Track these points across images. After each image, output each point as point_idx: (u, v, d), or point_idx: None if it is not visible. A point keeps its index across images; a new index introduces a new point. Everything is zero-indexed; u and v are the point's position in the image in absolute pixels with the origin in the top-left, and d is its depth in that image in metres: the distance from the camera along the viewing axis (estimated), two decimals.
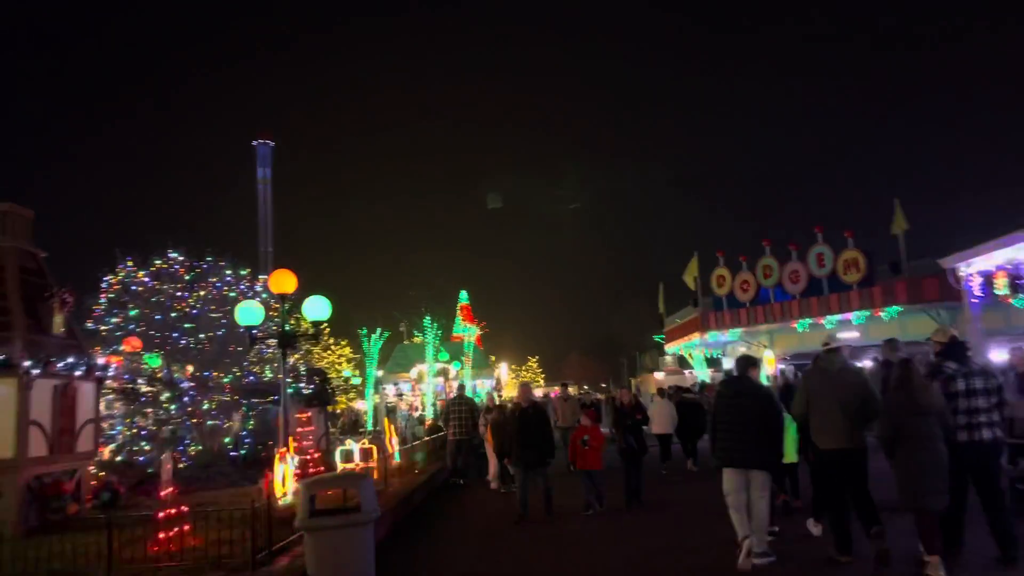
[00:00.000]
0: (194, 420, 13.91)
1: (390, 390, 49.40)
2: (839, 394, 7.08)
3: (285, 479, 10.77)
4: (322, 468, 12.54)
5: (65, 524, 9.06)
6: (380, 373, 50.70)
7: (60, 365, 9.62)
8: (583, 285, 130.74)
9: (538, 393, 46.03)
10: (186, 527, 7.78)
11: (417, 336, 41.12)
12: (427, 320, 32.22)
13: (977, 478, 6.80)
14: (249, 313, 11.52)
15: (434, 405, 28.61)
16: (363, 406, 41.80)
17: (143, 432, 13.77)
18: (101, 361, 10.93)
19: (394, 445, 15.83)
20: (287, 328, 11.61)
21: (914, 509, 6.46)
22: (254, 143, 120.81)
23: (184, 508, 8.02)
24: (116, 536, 6.95)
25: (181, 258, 16.43)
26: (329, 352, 60.52)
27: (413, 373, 41.46)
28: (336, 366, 57.47)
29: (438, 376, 34.90)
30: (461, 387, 17.17)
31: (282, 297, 11.55)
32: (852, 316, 24.30)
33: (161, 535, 7.60)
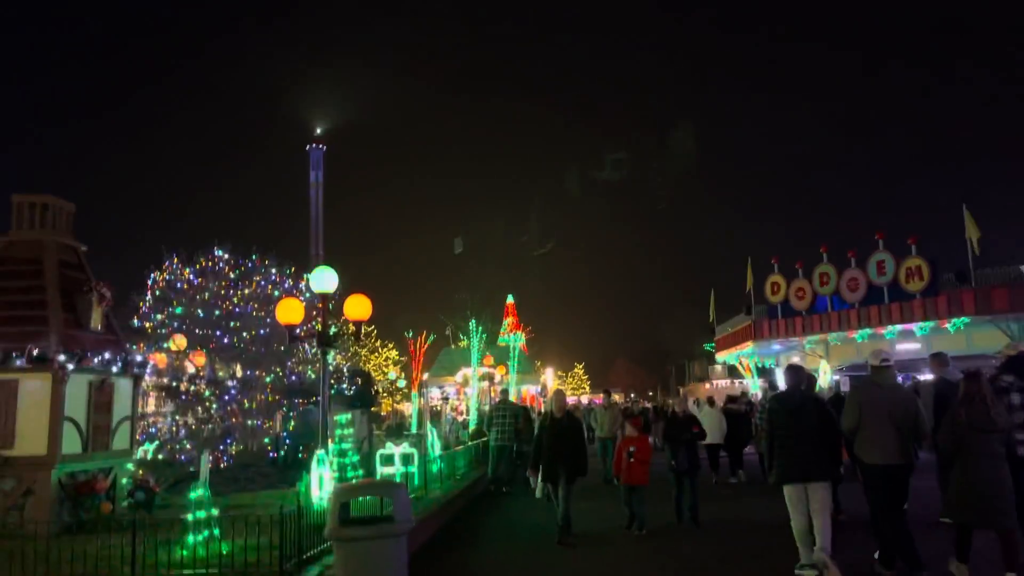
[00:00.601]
0: (234, 419, 13.74)
1: (435, 393, 49.36)
2: (893, 410, 6.89)
3: (323, 482, 10.49)
4: (360, 472, 12.24)
5: (97, 523, 8.87)
6: (426, 376, 50.83)
7: (96, 360, 9.45)
8: (632, 292, 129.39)
9: (572, 400, 45.42)
10: (215, 531, 7.49)
11: (463, 340, 40.85)
12: (472, 323, 31.86)
13: None
14: (289, 311, 11.26)
15: (477, 409, 28.30)
16: (409, 409, 41.78)
17: (182, 431, 13.64)
18: (139, 358, 10.76)
19: (436, 449, 15.49)
20: (330, 327, 11.35)
21: (986, 526, 6.39)
22: (308, 147, 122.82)
23: (215, 511, 7.70)
24: (143, 539, 6.69)
25: (226, 256, 16.33)
26: (375, 354, 60.83)
27: (458, 377, 41.25)
28: (383, 368, 57.66)
29: (483, 380, 34.62)
30: (504, 392, 16.70)
31: (323, 296, 11.28)
32: (915, 327, 23.26)
33: (190, 539, 7.32)
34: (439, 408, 41.87)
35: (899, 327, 23.57)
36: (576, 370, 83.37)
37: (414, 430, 34.76)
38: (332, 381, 16.75)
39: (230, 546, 7.18)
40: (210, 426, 13.74)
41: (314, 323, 12.51)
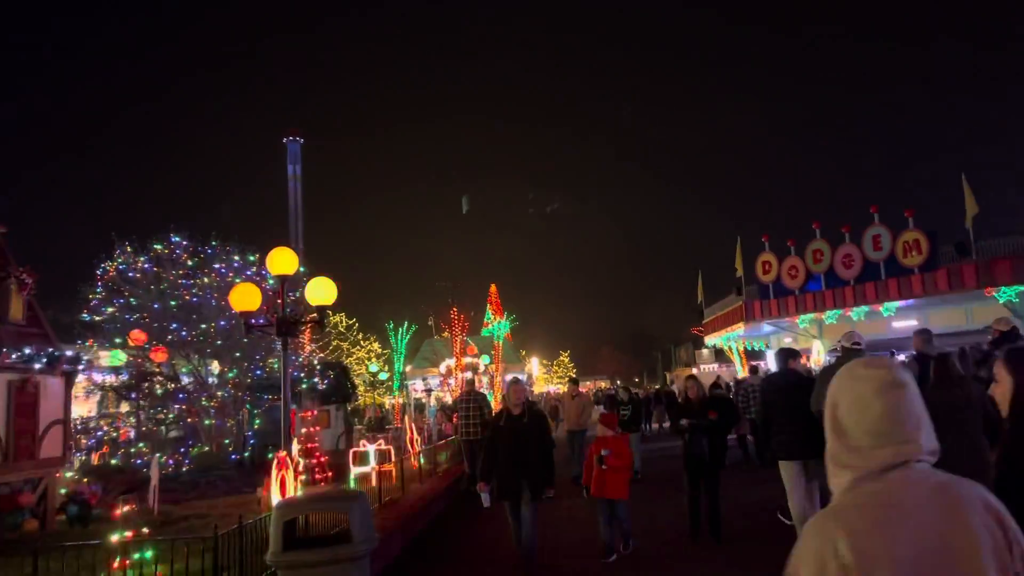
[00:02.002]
0: (190, 419, 12.56)
1: (418, 385, 48.19)
2: None
3: (285, 488, 9.37)
4: (330, 473, 11.13)
5: (21, 544, 7.70)
6: (408, 368, 49.67)
7: (14, 356, 8.25)
8: (618, 278, 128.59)
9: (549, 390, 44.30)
10: (145, 554, 6.34)
11: (446, 331, 39.74)
12: (454, 312, 30.69)
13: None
14: (245, 297, 10.10)
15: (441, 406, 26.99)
16: (393, 402, 40.62)
17: (132, 433, 12.45)
18: (70, 353, 9.53)
19: (416, 445, 14.40)
20: (292, 315, 10.19)
21: None
22: (284, 140, 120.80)
23: (147, 531, 6.55)
24: (66, 563, 5.55)
25: (184, 243, 15.11)
26: (357, 347, 59.65)
27: (442, 368, 40.13)
28: (365, 361, 56.51)
29: (466, 371, 33.57)
30: (469, 382, 15.41)
31: (282, 279, 10.12)
32: (914, 303, 22.35)
33: (116, 564, 6.17)
34: (423, 401, 40.79)
35: (897, 303, 22.64)
36: (562, 358, 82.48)
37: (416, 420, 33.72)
38: (303, 375, 15.61)
39: (167, 570, 6.07)
40: (163, 428, 12.55)
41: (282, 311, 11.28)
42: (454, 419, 17.20)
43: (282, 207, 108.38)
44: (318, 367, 16.19)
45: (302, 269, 13.64)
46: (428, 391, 40.68)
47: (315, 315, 11.25)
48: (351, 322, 60.90)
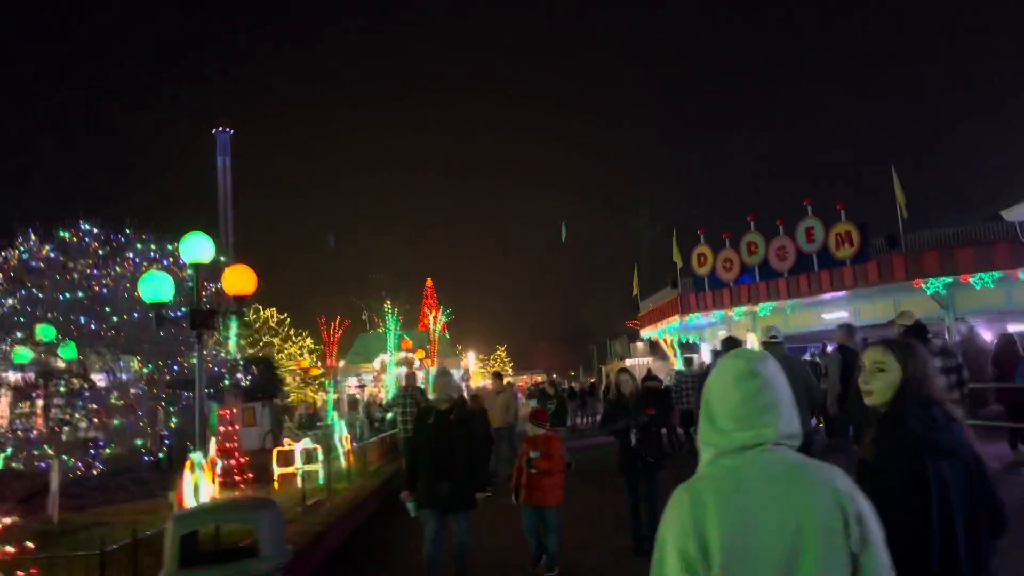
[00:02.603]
0: (95, 419, 11.67)
1: (352, 381, 47.24)
2: None
3: (198, 492, 8.67)
4: (251, 475, 10.43)
5: None
6: (342, 364, 48.66)
7: None
8: (553, 271, 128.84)
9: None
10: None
11: (380, 325, 38.98)
12: (387, 305, 29.97)
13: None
14: (155, 286, 9.34)
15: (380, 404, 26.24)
16: (324, 399, 39.68)
17: (32, 435, 11.51)
18: None
19: (347, 443, 13.75)
20: (208, 306, 9.46)
21: None
22: (214, 131, 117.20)
23: (30, 545, 5.84)
24: None
25: (95, 231, 14.10)
26: (289, 343, 58.32)
27: (376, 364, 39.37)
28: (296, 357, 55.22)
29: (400, 366, 32.87)
30: (410, 376, 14.79)
31: (195, 266, 9.40)
32: (845, 295, 22.63)
33: None
34: (357, 397, 39.93)
35: (829, 295, 22.88)
36: (498, 352, 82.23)
37: (332, 422, 32.82)
38: (225, 371, 14.80)
39: None
40: (66, 428, 11.63)
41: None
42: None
43: (210, 198, 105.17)
44: (241, 362, 15.35)
45: (222, 258, 12.83)
46: (361, 386, 39.87)
47: (234, 306, 10.61)
48: (282, 317, 59.50)
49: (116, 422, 11.59)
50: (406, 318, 40.07)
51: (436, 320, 40.09)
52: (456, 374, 41.41)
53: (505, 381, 17.20)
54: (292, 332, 58.47)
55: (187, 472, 8.35)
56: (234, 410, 12.01)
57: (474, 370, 64.12)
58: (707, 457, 2.02)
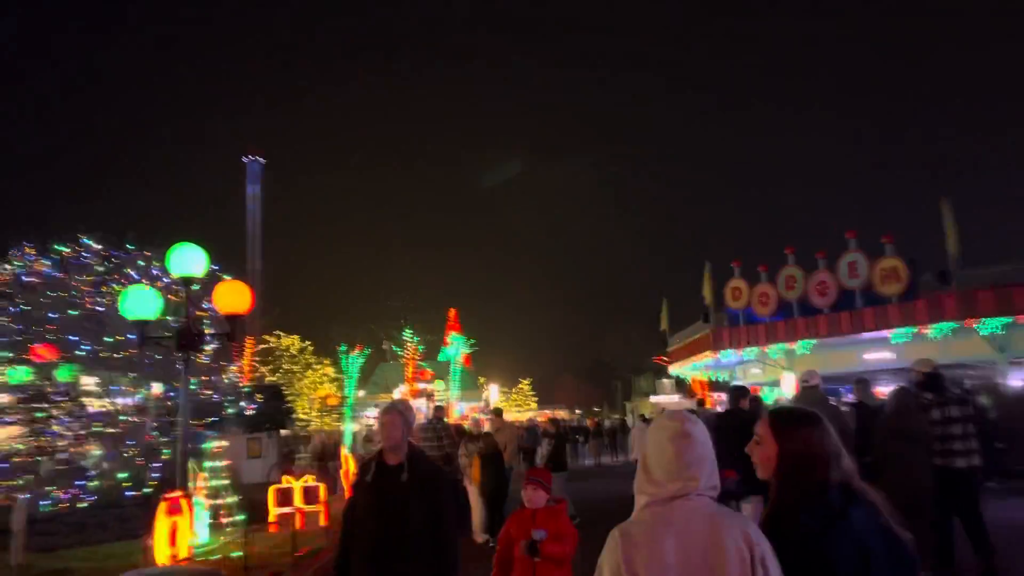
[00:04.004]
0: (72, 450, 10.70)
1: (371, 412, 46.18)
2: None
3: (178, 536, 7.62)
4: (239, 517, 9.36)
5: None
6: (361, 394, 47.67)
7: None
8: (580, 304, 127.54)
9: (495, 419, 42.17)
10: None
11: (400, 353, 37.96)
12: (408, 331, 28.94)
13: (956, 504, 7.17)
14: (140, 302, 8.40)
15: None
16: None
17: (5, 464, 10.55)
18: None
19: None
20: (198, 325, 8.50)
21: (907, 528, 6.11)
22: (244, 159, 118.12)
23: None
24: None
25: (98, 246, 13.32)
26: (310, 371, 57.61)
27: (396, 394, 38.32)
28: (317, 384, 54.47)
29: (420, 397, 31.82)
30: (438, 409, 13.77)
31: (186, 281, 8.46)
32: (890, 334, 21.22)
33: None
34: (375, 428, 38.87)
35: (872, 334, 21.50)
36: (522, 385, 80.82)
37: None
38: (227, 399, 13.82)
39: None
40: (39, 459, 10.66)
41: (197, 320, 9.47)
42: None
43: (234, 223, 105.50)
44: (246, 389, 14.37)
45: (215, 266, 11.91)
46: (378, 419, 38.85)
47: (225, 327, 9.60)
48: (304, 344, 58.80)
49: (96, 452, 10.63)
50: (428, 349, 39.03)
51: (448, 343, 38.96)
52: (475, 407, 39.99)
53: (513, 417, 15.95)
54: (313, 360, 57.74)
55: (160, 513, 7.33)
56: (224, 443, 10.96)
57: (495, 402, 62.86)
58: (640, 505, 2.32)
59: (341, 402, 43.63)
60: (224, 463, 10.45)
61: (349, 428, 37.71)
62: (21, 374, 12.32)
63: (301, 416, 49.79)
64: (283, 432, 18.03)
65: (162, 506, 7.39)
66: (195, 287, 10.06)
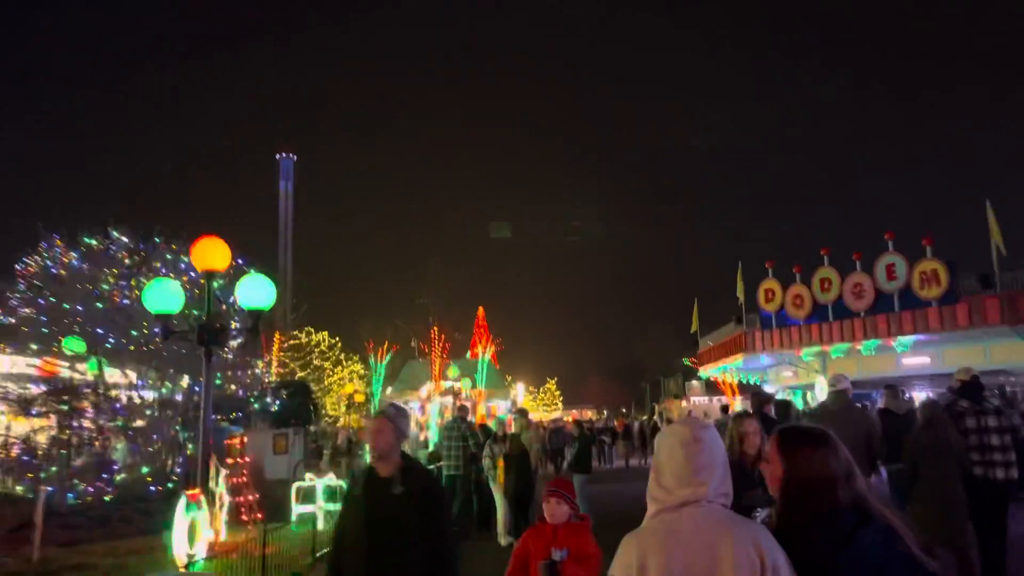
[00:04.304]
0: (96, 443, 10.65)
1: None
2: (843, 432, 6.71)
3: (195, 533, 7.50)
4: (260, 515, 9.24)
5: None
6: (389, 391, 47.65)
7: None
8: (609, 303, 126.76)
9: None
10: None
11: (428, 352, 37.80)
12: (434, 332, 28.74)
13: (987, 513, 6.98)
14: (163, 296, 8.29)
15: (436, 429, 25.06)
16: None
17: (25, 458, 10.52)
18: None
19: None
20: (221, 319, 8.37)
21: (943, 545, 6.55)
22: (277, 156, 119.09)
23: None
24: None
25: (124, 239, 13.31)
26: (339, 367, 57.79)
27: (423, 392, 38.19)
28: (345, 381, 54.59)
29: (446, 396, 31.61)
30: (462, 408, 13.56)
31: (208, 275, 8.33)
32: (928, 338, 20.63)
33: None
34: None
35: (912, 338, 20.90)
36: (549, 385, 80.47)
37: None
38: (253, 395, 13.74)
39: None
40: (62, 453, 10.62)
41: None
42: None
43: (266, 219, 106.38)
44: (271, 385, 14.28)
45: (240, 262, 11.80)
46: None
47: (248, 322, 9.47)
48: (334, 340, 58.99)
49: (119, 446, 10.58)
50: (456, 347, 38.86)
51: (486, 349, 38.76)
52: (503, 405, 39.84)
53: (538, 418, 15.69)
54: (343, 356, 57.88)
55: (180, 510, 7.21)
56: (245, 440, 10.83)
57: (523, 401, 62.61)
58: (651, 512, 2.31)
59: (367, 399, 43.71)
60: (245, 459, 10.34)
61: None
62: (76, 344, 12.18)
63: (330, 412, 49.97)
64: (312, 428, 17.96)
65: (181, 502, 7.26)
66: (219, 283, 9.96)
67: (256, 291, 8.32)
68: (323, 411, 49.88)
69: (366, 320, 44.08)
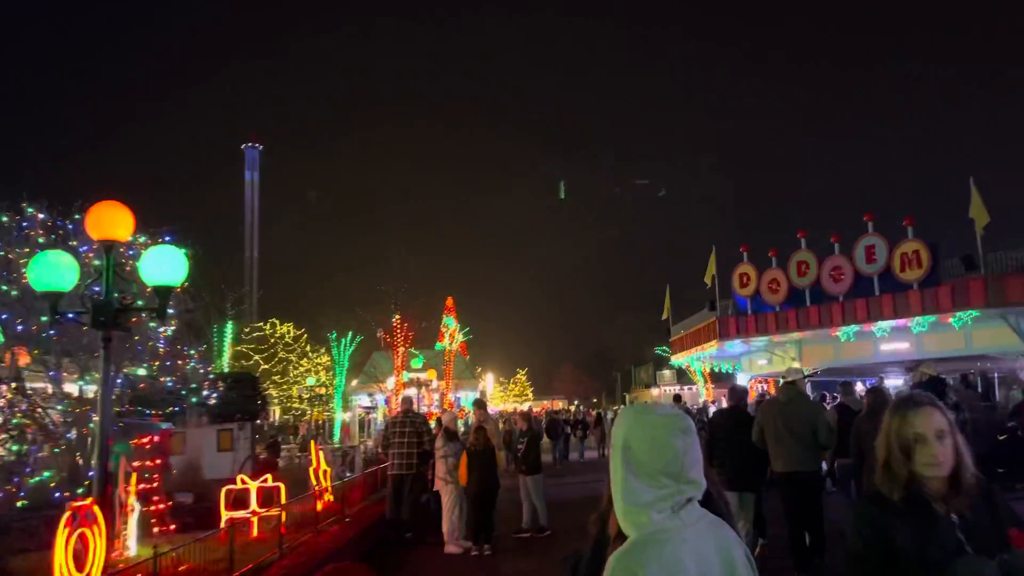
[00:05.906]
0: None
1: (363, 401, 44.88)
2: (790, 423, 7.83)
3: (96, 554, 6.24)
4: (172, 527, 8.01)
5: None
6: (354, 383, 46.34)
7: None
8: (579, 292, 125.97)
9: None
10: None
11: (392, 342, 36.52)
12: (395, 320, 27.50)
13: None
14: (50, 271, 7.02)
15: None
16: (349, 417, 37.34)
17: None
18: None
19: (324, 479, 11.32)
20: (120, 296, 7.10)
21: None
22: (243, 146, 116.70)
23: None
24: None
25: (41, 216, 11.93)
26: (305, 359, 56.26)
27: (389, 384, 36.98)
28: (311, 373, 53.10)
29: (410, 387, 30.47)
30: (406, 400, 12.28)
31: (107, 247, 7.08)
32: (911, 322, 19.83)
33: None
34: (364, 418, 37.56)
35: (892, 323, 20.10)
36: (519, 376, 79.49)
37: (336, 440, 30.34)
38: (184, 388, 12.48)
39: None
40: None
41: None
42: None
43: (229, 208, 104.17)
44: (210, 376, 13.00)
45: (141, 239, 10.54)
46: (368, 409, 37.40)
47: (154, 302, 8.17)
48: (299, 332, 57.41)
49: (15, 447, 9.27)
50: (422, 337, 37.59)
51: (452, 339, 37.57)
52: (469, 396, 38.75)
53: (508, 409, 14.59)
54: (308, 349, 56.36)
55: (61, 527, 5.96)
56: (155, 439, 9.58)
57: (492, 392, 61.52)
58: (643, 520, 1.97)
59: (328, 389, 42.40)
60: (156, 462, 9.10)
61: (339, 418, 36.48)
62: None
63: (296, 405, 48.56)
64: (269, 421, 16.72)
65: (65, 516, 6.01)
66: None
67: (162, 264, 7.09)
68: (288, 404, 48.40)
69: (330, 310, 42.53)
